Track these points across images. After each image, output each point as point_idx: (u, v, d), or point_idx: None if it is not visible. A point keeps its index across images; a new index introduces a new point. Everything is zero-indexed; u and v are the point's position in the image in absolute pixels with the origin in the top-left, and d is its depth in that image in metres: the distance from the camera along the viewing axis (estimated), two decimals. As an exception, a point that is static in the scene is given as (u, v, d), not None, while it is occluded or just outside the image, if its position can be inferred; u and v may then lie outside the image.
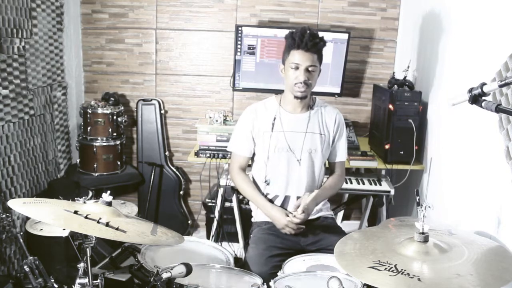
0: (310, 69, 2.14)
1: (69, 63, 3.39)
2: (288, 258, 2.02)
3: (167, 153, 3.59)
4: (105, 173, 3.26)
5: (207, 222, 3.32)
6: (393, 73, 3.04)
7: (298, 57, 2.13)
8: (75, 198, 1.69)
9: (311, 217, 2.28)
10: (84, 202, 1.64)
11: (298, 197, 2.26)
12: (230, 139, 2.42)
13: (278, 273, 1.86)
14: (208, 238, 3.19)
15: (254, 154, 2.36)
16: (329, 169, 2.43)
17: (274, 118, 2.26)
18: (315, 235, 2.24)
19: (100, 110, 3.21)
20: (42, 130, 2.97)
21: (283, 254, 2.13)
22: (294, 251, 2.18)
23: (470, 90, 1.40)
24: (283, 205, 2.29)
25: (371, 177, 2.95)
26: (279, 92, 2.38)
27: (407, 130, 2.78)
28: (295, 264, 1.97)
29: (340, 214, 3.43)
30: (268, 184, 2.28)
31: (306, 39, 2.11)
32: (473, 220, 2.12)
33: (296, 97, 2.22)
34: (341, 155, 2.37)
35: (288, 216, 2.17)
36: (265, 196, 2.30)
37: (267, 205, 2.24)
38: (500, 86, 1.34)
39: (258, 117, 2.29)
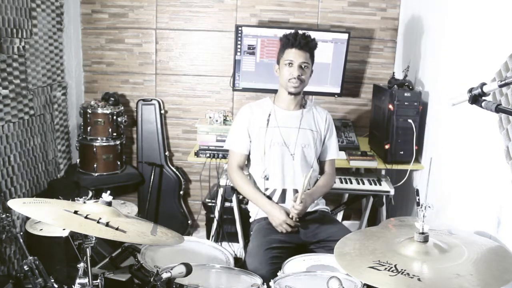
0: (303, 65, 2.29)
1: (69, 63, 3.39)
2: (287, 251, 2.07)
3: (167, 153, 3.59)
4: (105, 173, 3.26)
5: (207, 222, 3.32)
6: (393, 73, 3.04)
7: (292, 54, 2.28)
8: (75, 198, 1.69)
9: (308, 210, 2.34)
10: (84, 202, 1.64)
11: (294, 190, 2.33)
12: (226, 137, 2.50)
13: (278, 273, 1.86)
14: (208, 238, 3.19)
15: (250, 152, 2.42)
16: (320, 168, 2.49)
17: (269, 114, 2.36)
18: (313, 228, 2.30)
19: (100, 110, 3.21)
20: (42, 130, 2.97)
21: (282, 247, 2.16)
22: (294, 245, 2.22)
23: (470, 90, 1.40)
24: (282, 199, 2.35)
25: (371, 177, 2.95)
26: (276, 92, 2.45)
27: (407, 130, 2.78)
28: (295, 264, 1.97)
29: (340, 214, 3.42)
30: (267, 179, 2.35)
31: (299, 38, 2.28)
32: (473, 220, 2.13)
33: (290, 93, 2.34)
34: (332, 153, 2.48)
35: (287, 214, 2.23)
36: (264, 193, 2.35)
37: (265, 202, 2.30)
38: (500, 86, 1.34)
39: (254, 114, 2.39)
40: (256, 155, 2.39)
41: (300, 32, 2.31)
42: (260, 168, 2.37)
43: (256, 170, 2.40)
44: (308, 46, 2.29)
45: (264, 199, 2.31)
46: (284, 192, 2.35)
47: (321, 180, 2.44)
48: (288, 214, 2.24)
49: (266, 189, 2.36)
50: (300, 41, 2.27)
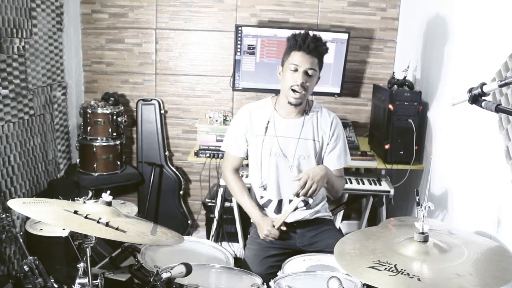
0: (309, 72, 2.08)
1: (69, 63, 3.39)
2: (285, 258, 2.02)
3: (167, 153, 3.59)
4: (105, 173, 3.26)
5: (207, 222, 3.32)
6: (393, 73, 3.04)
7: (298, 58, 2.07)
8: (75, 198, 1.69)
9: (308, 218, 2.26)
10: (84, 202, 1.64)
11: (290, 201, 2.21)
12: (224, 138, 2.39)
13: (278, 273, 1.86)
14: (208, 238, 3.19)
15: (248, 159, 2.34)
16: None
17: (268, 122, 2.22)
18: (311, 237, 2.24)
19: (100, 110, 3.21)
20: (42, 130, 2.97)
21: (279, 255, 2.13)
22: (291, 251, 2.18)
23: (470, 90, 1.40)
24: (278, 209, 2.25)
25: (371, 177, 2.95)
26: (278, 92, 2.32)
27: (407, 130, 2.78)
28: (295, 264, 1.97)
29: (340, 214, 3.42)
30: (265, 189, 2.26)
31: (309, 41, 2.06)
32: (473, 220, 2.13)
33: (290, 103, 2.15)
34: (337, 163, 2.25)
35: (273, 226, 2.16)
36: (258, 202, 2.29)
37: (255, 212, 2.22)
38: (500, 86, 1.34)
39: (252, 119, 2.25)
40: (253, 163, 2.29)
41: (311, 33, 2.09)
42: (257, 176, 2.26)
43: (254, 179, 2.30)
44: (317, 50, 2.07)
45: (256, 210, 2.22)
46: (280, 202, 2.25)
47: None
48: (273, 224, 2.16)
49: (261, 197, 2.28)
50: (309, 44, 2.04)
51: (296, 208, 2.21)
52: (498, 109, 1.34)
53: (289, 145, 2.21)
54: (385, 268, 1.41)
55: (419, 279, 1.34)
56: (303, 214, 2.26)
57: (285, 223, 2.18)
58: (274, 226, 2.16)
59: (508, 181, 1.82)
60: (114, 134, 3.27)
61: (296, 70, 2.08)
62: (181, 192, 3.60)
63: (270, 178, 2.24)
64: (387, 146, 2.84)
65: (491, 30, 2.07)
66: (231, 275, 1.86)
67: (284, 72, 2.14)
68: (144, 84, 3.58)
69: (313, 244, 2.22)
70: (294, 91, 2.10)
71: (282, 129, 2.21)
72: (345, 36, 3.17)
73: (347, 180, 2.85)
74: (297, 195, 2.04)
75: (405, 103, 2.79)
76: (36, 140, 2.90)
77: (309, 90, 2.14)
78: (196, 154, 2.98)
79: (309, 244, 2.22)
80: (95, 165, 3.22)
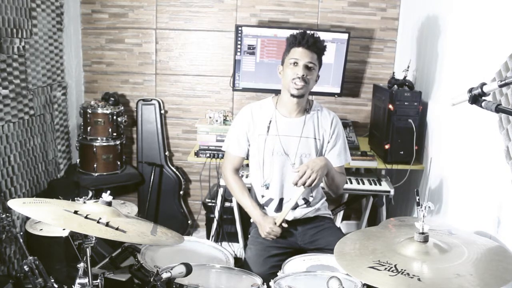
0: (309, 65, 2.14)
1: (69, 63, 3.39)
2: (287, 257, 2.03)
3: (167, 153, 3.59)
4: (105, 173, 3.26)
5: (207, 222, 3.32)
6: (393, 73, 3.04)
7: (298, 53, 2.14)
8: (75, 198, 1.69)
9: (308, 216, 2.29)
10: (84, 202, 1.64)
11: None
12: (225, 138, 2.41)
13: (278, 273, 1.86)
14: (208, 238, 3.19)
15: (249, 159, 2.35)
16: None
17: (270, 121, 2.24)
18: (312, 235, 2.25)
19: (100, 110, 3.21)
20: (42, 130, 2.97)
21: (281, 254, 2.14)
22: (292, 250, 2.19)
23: (470, 90, 1.40)
24: (279, 208, 2.27)
25: (371, 177, 2.95)
26: (278, 92, 2.35)
27: (407, 130, 2.78)
28: (295, 264, 1.97)
29: (340, 214, 3.42)
30: (267, 188, 2.27)
31: (307, 37, 2.14)
32: (473, 220, 2.13)
33: (292, 95, 2.17)
34: (338, 160, 2.28)
35: (275, 223, 2.18)
36: (258, 202, 2.30)
37: (256, 211, 2.24)
38: (500, 86, 1.34)
39: (254, 119, 2.27)
40: (254, 163, 2.30)
41: (309, 32, 2.17)
42: (259, 176, 2.28)
43: (255, 178, 2.32)
44: (316, 46, 2.14)
45: (256, 210, 2.24)
46: (281, 201, 2.27)
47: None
48: (275, 222, 2.19)
49: (263, 196, 2.29)
50: (308, 39, 2.12)
51: (297, 206, 2.24)
52: (498, 109, 1.34)
53: (291, 144, 2.24)
54: (385, 268, 1.41)
55: (419, 279, 1.34)
56: (303, 211, 2.28)
57: (286, 221, 2.20)
58: (275, 223, 2.17)
59: (508, 181, 1.82)
60: (114, 134, 3.27)
61: (296, 64, 2.13)
62: (181, 192, 3.60)
63: (272, 176, 2.25)
64: (387, 146, 2.84)
65: (491, 30, 2.07)
66: (231, 275, 1.86)
67: (285, 69, 2.18)
68: (144, 84, 3.58)
69: (314, 241, 2.23)
70: (295, 83, 2.14)
71: (284, 128, 2.24)
72: (345, 36, 3.17)
73: (347, 180, 2.85)
74: (296, 184, 2.08)
75: (405, 103, 2.79)
76: (36, 140, 2.90)
77: (310, 84, 2.18)
78: (196, 154, 2.98)
79: (310, 242, 2.24)
80: (95, 165, 3.22)
